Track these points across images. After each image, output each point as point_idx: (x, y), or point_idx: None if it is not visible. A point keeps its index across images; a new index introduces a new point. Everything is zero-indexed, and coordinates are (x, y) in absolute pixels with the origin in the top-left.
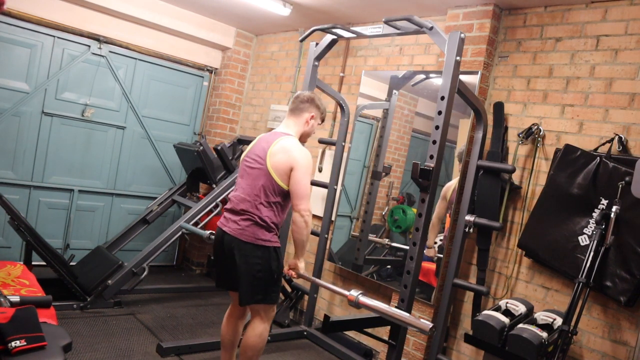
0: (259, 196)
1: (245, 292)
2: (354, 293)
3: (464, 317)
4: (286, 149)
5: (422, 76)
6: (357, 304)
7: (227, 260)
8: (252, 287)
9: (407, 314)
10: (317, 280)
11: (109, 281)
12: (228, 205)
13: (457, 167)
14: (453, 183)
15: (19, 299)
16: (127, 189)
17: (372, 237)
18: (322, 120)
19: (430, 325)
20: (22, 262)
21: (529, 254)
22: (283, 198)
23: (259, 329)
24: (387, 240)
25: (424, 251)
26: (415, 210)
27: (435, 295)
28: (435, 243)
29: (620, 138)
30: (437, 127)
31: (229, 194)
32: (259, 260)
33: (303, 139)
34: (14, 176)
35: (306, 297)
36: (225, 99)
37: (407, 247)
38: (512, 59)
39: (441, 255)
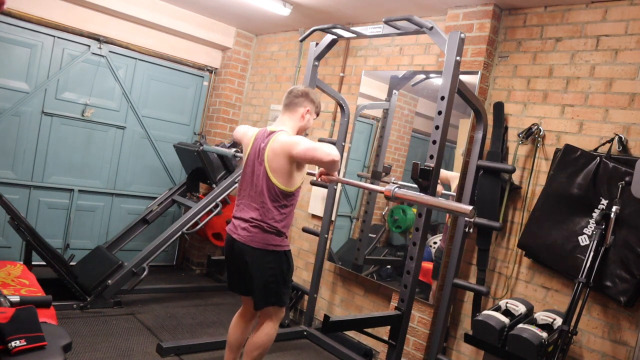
0: (265, 202)
1: (259, 297)
2: (390, 187)
3: (464, 317)
4: (278, 147)
5: (422, 76)
6: (394, 198)
7: (238, 266)
8: (265, 292)
9: (445, 200)
10: (345, 179)
11: (109, 281)
12: (236, 213)
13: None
14: (454, 174)
15: (19, 299)
16: (127, 188)
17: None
18: (317, 114)
19: (470, 207)
20: (22, 262)
21: (529, 254)
22: (288, 200)
23: (269, 330)
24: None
25: None
26: (415, 210)
27: (434, 295)
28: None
29: (620, 138)
30: (437, 127)
31: (229, 194)
32: (271, 265)
33: (299, 133)
34: (14, 176)
35: (306, 297)
36: (225, 99)
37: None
38: (512, 59)
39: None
